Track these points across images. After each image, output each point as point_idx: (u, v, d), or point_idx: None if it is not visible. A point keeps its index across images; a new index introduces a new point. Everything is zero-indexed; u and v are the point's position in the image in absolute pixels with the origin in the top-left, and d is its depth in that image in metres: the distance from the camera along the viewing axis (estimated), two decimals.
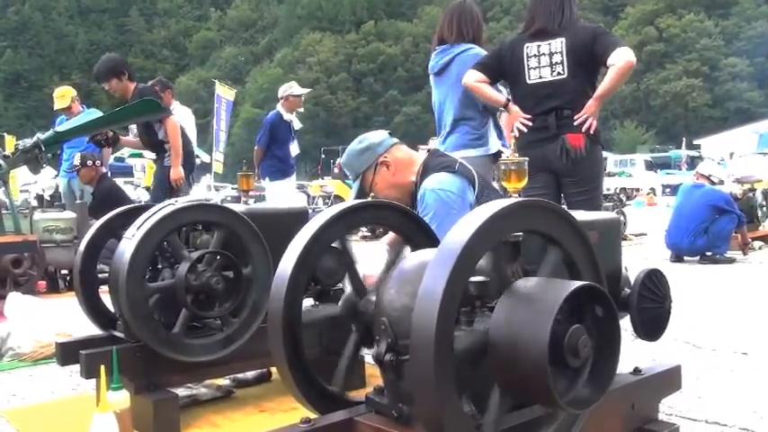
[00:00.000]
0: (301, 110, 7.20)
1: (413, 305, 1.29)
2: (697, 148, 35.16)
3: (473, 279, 1.29)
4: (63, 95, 6.75)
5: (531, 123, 3.38)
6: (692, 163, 26.68)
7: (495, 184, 3.21)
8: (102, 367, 1.78)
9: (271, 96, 62.84)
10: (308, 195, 13.86)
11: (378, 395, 1.45)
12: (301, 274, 1.49)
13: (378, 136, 2.67)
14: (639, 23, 57.28)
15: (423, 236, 1.75)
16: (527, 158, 1.64)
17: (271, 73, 65.54)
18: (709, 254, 6.78)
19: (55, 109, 6.83)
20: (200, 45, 76.57)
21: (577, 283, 1.23)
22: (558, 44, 3.37)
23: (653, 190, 25.86)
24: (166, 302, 2.12)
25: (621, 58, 3.24)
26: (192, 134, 6.94)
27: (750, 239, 7.55)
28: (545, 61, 3.39)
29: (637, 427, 1.69)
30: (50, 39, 72.96)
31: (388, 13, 70.94)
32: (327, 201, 11.68)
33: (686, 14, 57.03)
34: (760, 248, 7.90)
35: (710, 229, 6.67)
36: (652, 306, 1.71)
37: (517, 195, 1.63)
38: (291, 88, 7.10)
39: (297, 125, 7.13)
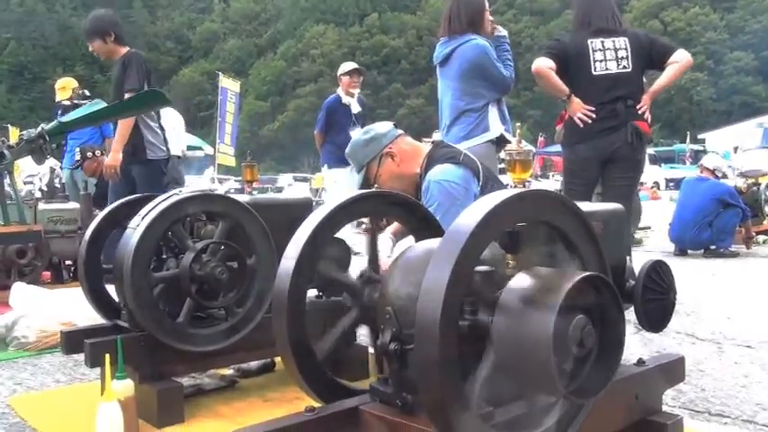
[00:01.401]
0: (356, 91, 6.61)
1: (417, 295, 1.29)
2: (701, 142, 35.04)
3: (478, 269, 1.29)
4: (64, 87, 6.75)
5: (594, 115, 3.72)
6: (696, 157, 26.59)
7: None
8: (107, 356, 1.78)
9: (273, 89, 62.96)
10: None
11: (382, 384, 1.45)
12: (306, 265, 1.49)
13: (383, 127, 2.67)
14: (644, 17, 57.03)
15: (427, 226, 1.75)
16: (531, 149, 1.64)
17: (274, 65, 65.52)
18: (713, 247, 6.76)
19: (56, 100, 6.84)
20: (203, 37, 76.44)
21: (582, 274, 1.23)
22: (623, 42, 3.77)
23: (657, 184, 25.80)
24: (171, 292, 2.12)
25: (684, 57, 3.75)
26: (180, 137, 6.83)
27: (754, 233, 7.54)
28: (611, 55, 3.76)
29: (640, 418, 1.69)
30: (54, 30, 72.80)
31: (391, 6, 70.73)
32: None
33: (691, 8, 56.83)
34: (764, 242, 7.89)
35: (715, 223, 6.66)
36: (656, 298, 1.70)
37: (522, 186, 1.64)
38: (342, 67, 6.70)
39: (355, 108, 6.57)
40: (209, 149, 17.04)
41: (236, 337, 2.14)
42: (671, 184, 25.89)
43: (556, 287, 1.21)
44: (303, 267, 1.49)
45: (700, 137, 36.85)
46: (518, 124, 3.43)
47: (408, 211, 1.72)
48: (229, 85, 13.18)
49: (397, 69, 63.35)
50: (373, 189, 2.67)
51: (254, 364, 2.50)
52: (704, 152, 25.03)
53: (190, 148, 20.28)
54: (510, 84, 3.65)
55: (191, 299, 2.08)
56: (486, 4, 3.70)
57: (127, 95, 4.37)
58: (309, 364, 1.52)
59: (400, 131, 2.69)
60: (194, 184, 15.47)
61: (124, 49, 4.64)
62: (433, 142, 2.79)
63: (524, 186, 1.66)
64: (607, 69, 3.75)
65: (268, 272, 2.17)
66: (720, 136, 32.45)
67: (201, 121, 52.51)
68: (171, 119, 6.52)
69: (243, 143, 14.33)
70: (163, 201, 2.10)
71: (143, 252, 2.00)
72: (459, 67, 3.61)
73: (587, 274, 1.24)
